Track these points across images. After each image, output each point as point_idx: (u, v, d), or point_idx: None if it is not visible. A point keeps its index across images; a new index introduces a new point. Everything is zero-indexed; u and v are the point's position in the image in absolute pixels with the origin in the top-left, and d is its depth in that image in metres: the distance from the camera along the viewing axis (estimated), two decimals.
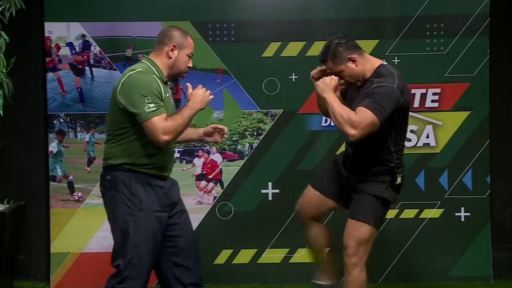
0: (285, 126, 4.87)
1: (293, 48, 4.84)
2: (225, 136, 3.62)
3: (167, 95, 3.30)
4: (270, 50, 4.84)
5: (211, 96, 3.31)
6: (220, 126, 3.60)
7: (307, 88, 4.82)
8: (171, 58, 3.31)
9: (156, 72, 3.27)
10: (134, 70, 3.24)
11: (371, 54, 4.77)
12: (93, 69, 4.84)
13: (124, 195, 3.21)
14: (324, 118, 4.82)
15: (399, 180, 3.49)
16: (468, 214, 4.85)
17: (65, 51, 4.83)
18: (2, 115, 4.07)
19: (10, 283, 4.70)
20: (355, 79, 3.43)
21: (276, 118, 4.88)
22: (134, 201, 3.21)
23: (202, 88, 3.30)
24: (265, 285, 4.87)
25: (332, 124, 4.81)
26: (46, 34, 4.81)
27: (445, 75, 4.82)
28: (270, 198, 4.88)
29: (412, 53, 4.80)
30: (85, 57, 4.84)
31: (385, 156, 3.43)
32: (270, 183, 4.87)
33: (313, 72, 3.54)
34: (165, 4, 4.82)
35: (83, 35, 4.82)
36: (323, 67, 3.49)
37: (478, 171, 4.85)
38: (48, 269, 4.86)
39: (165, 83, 3.31)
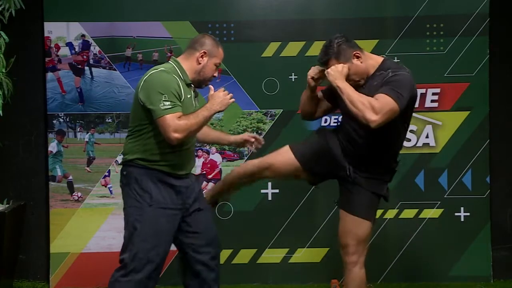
0: (285, 126, 4.87)
1: (292, 48, 4.84)
2: (261, 144, 3.66)
3: (189, 96, 3.34)
4: (270, 50, 4.84)
5: (232, 100, 3.32)
6: (254, 137, 3.64)
7: None
8: (200, 64, 3.37)
9: (180, 73, 3.33)
10: (157, 69, 3.31)
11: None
12: (93, 69, 4.84)
13: (135, 190, 3.28)
14: (323, 118, 4.83)
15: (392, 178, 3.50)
16: (468, 214, 4.85)
17: (64, 51, 4.83)
18: (1, 115, 4.07)
19: (9, 283, 4.70)
20: (360, 76, 3.36)
21: (276, 118, 4.88)
22: (144, 196, 3.26)
23: (224, 91, 3.32)
24: (264, 285, 4.87)
25: (332, 124, 4.86)
26: (46, 34, 4.81)
27: (445, 75, 4.82)
28: (269, 198, 4.88)
29: (412, 53, 4.80)
30: (84, 57, 4.84)
31: (396, 151, 3.41)
32: (269, 183, 4.87)
33: (312, 72, 3.46)
34: (165, 4, 4.82)
35: (83, 35, 4.82)
36: (320, 68, 3.42)
37: (477, 171, 4.85)
38: (48, 269, 4.86)
39: (188, 85, 3.35)
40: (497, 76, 4.86)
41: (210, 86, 3.39)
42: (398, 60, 4.74)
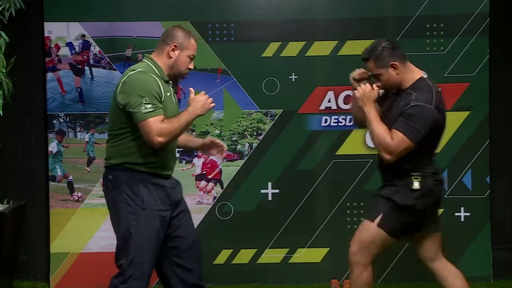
0: (285, 126, 4.87)
1: (293, 48, 4.84)
2: (223, 153, 3.61)
3: (168, 94, 3.29)
4: (270, 50, 4.84)
5: (212, 104, 3.28)
6: (219, 142, 3.58)
7: (307, 88, 4.86)
8: (171, 58, 3.30)
9: (157, 71, 3.27)
10: (135, 70, 3.25)
11: None
12: (93, 69, 4.84)
13: (126, 194, 3.22)
14: (323, 118, 4.83)
15: (416, 185, 3.37)
16: (468, 214, 4.85)
17: (64, 51, 4.83)
18: (1, 115, 4.07)
19: (10, 283, 4.70)
20: (392, 86, 3.43)
21: (276, 118, 4.88)
22: (136, 200, 3.21)
23: (205, 94, 3.29)
24: (264, 285, 4.87)
25: (332, 124, 4.86)
26: (46, 34, 4.81)
27: (445, 75, 4.82)
28: (270, 198, 4.88)
29: (412, 53, 4.74)
30: (84, 57, 4.84)
31: (403, 159, 3.37)
32: (269, 183, 4.87)
33: (355, 73, 3.53)
34: (165, 4, 4.82)
35: (83, 35, 4.82)
36: (362, 70, 3.49)
37: (477, 171, 4.85)
38: (48, 269, 4.86)
39: (166, 82, 3.30)
40: (497, 76, 4.86)
41: (191, 89, 3.33)
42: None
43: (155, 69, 3.27)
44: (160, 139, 3.13)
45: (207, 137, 3.80)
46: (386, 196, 3.42)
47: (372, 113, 3.37)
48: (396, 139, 3.28)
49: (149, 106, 3.12)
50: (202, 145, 3.62)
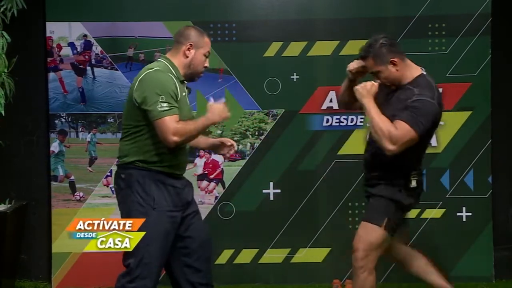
0: (287, 126, 4.87)
1: (294, 48, 4.84)
2: (232, 151, 3.59)
3: (183, 94, 3.31)
4: (272, 50, 4.84)
5: (229, 114, 3.29)
6: (230, 142, 3.59)
7: (309, 88, 4.86)
8: (187, 57, 3.33)
9: (173, 71, 3.29)
10: (152, 68, 3.26)
11: None
12: (95, 69, 4.85)
13: (138, 193, 3.23)
14: (325, 117, 4.83)
15: (413, 183, 3.42)
16: (470, 214, 4.85)
17: (66, 51, 4.83)
18: (3, 115, 4.07)
19: (11, 283, 4.70)
20: (391, 82, 3.42)
21: (278, 118, 4.88)
22: (147, 199, 3.22)
23: (224, 103, 3.29)
24: (266, 285, 4.87)
25: (334, 124, 4.86)
26: (48, 34, 4.81)
27: (447, 75, 4.82)
28: (271, 198, 4.88)
29: (414, 53, 4.76)
30: (86, 57, 4.84)
31: (403, 160, 3.37)
32: (271, 183, 4.87)
33: (352, 65, 3.52)
34: (167, 4, 4.82)
35: (85, 35, 4.82)
36: (361, 62, 3.46)
37: (479, 171, 4.85)
38: (50, 269, 4.86)
39: (181, 82, 3.32)
40: (499, 76, 4.86)
41: (211, 97, 3.36)
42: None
43: (172, 69, 3.30)
44: (175, 138, 3.14)
45: (216, 137, 3.80)
46: (388, 196, 3.40)
47: (372, 105, 3.35)
48: (401, 129, 3.24)
49: (165, 104, 3.14)
50: (212, 145, 3.64)
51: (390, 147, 3.25)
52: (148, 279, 3.20)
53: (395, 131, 3.24)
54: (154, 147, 3.24)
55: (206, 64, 3.39)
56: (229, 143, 3.56)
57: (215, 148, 3.63)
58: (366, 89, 3.38)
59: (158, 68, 3.26)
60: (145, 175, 3.24)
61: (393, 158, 3.33)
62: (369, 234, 3.40)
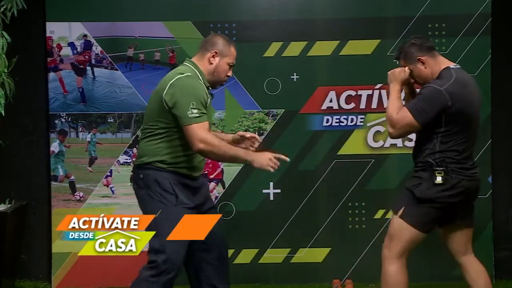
0: (287, 126, 4.87)
1: (294, 48, 4.84)
2: (256, 143, 3.58)
3: (209, 100, 3.36)
4: (272, 50, 4.84)
5: (270, 169, 3.24)
6: (249, 133, 3.60)
7: (309, 88, 4.86)
8: (212, 64, 3.37)
9: (201, 77, 3.33)
10: (183, 73, 3.29)
11: (372, 54, 4.82)
12: (95, 69, 4.85)
13: (158, 193, 3.27)
14: (325, 117, 4.83)
15: (439, 179, 3.36)
16: None
17: (66, 51, 4.84)
18: (3, 115, 4.07)
19: (11, 283, 4.70)
20: (423, 80, 3.47)
21: (278, 118, 4.88)
22: (168, 197, 3.26)
23: (273, 155, 3.26)
24: (266, 285, 4.87)
25: (334, 124, 4.86)
26: (48, 34, 4.81)
27: None
28: (271, 198, 4.88)
29: None
30: (86, 57, 4.84)
31: (428, 154, 3.39)
32: (271, 183, 4.87)
33: (398, 71, 3.55)
34: (167, 4, 4.82)
35: (85, 35, 4.82)
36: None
37: (479, 171, 4.83)
38: (50, 269, 4.86)
39: (207, 88, 3.37)
40: (499, 76, 4.85)
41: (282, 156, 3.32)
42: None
43: (199, 75, 3.34)
44: (201, 145, 3.19)
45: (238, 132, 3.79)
46: (408, 187, 3.45)
47: (393, 89, 3.47)
48: (400, 114, 3.36)
49: (195, 111, 3.19)
50: (232, 141, 3.63)
51: (389, 129, 3.41)
52: (172, 273, 3.25)
53: (394, 115, 3.37)
54: (179, 148, 3.29)
55: (229, 74, 3.44)
56: (248, 135, 3.60)
57: (237, 143, 3.61)
58: (394, 75, 3.51)
59: (189, 73, 3.30)
60: (163, 175, 3.29)
61: (422, 151, 3.40)
62: (390, 223, 3.49)
